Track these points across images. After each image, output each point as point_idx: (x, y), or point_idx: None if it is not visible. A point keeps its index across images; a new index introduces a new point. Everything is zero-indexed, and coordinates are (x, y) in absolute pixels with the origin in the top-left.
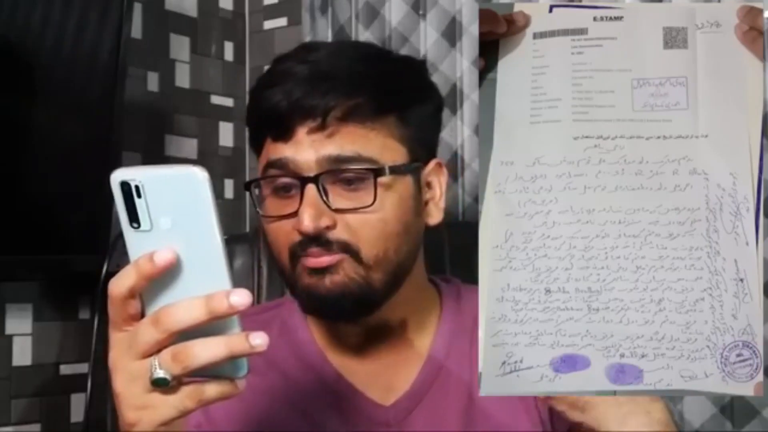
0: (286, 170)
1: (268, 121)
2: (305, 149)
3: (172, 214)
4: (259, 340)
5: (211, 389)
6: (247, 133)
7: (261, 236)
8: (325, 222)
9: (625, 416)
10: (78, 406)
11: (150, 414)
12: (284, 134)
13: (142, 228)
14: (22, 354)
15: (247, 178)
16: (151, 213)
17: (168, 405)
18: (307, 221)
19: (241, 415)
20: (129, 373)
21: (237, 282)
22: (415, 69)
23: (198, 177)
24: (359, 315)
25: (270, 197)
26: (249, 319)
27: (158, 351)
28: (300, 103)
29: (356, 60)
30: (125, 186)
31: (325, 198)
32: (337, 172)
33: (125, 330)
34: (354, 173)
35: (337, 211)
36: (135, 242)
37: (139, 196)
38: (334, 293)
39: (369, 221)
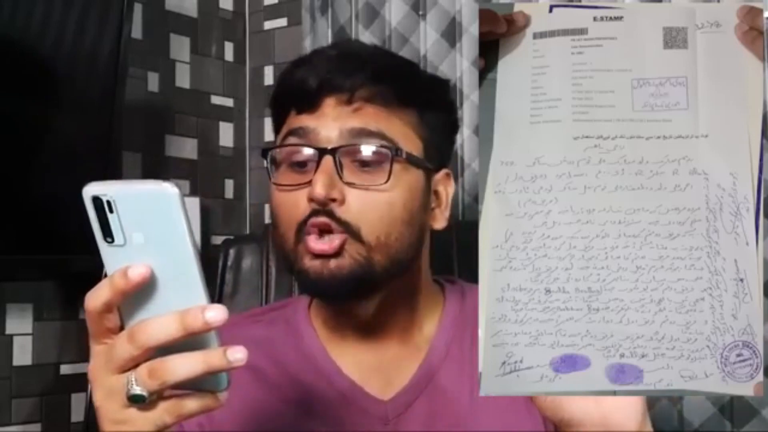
0: (306, 139)
1: (295, 94)
2: (329, 122)
3: (144, 229)
4: (239, 354)
5: (191, 404)
6: (247, 133)
7: (269, 236)
8: (335, 194)
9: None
10: (78, 405)
11: (128, 429)
12: (310, 106)
13: (115, 243)
14: (22, 354)
15: (248, 178)
16: (124, 228)
17: (146, 420)
18: (319, 188)
19: (244, 413)
20: (107, 387)
21: (245, 281)
22: (439, 85)
23: (168, 193)
24: (359, 296)
25: (285, 169)
26: (254, 319)
27: (135, 366)
28: (328, 79)
29: (384, 54)
30: (97, 201)
31: (339, 171)
32: (356, 150)
33: (103, 343)
34: (372, 154)
35: (349, 184)
36: (109, 257)
37: (111, 211)
38: (339, 277)
39: (376, 202)
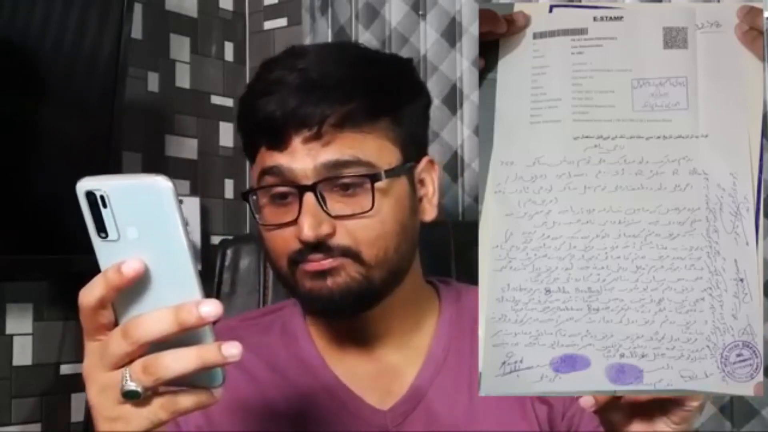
0: (282, 178)
1: (263, 130)
2: (301, 158)
3: (138, 224)
4: (234, 350)
5: (186, 400)
6: None
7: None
8: (325, 230)
9: None
10: (78, 405)
11: (122, 426)
12: (279, 143)
13: (109, 238)
14: (22, 354)
15: (248, 179)
16: (118, 223)
17: (141, 417)
18: (308, 230)
19: (242, 418)
20: (101, 383)
21: (243, 282)
22: (403, 69)
23: (161, 186)
24: (359, 311)
25: (268, 205)
26: (250, 322)
27: (129, 362)
28: (294, 113)
29: (345, 65)
30: (91, 196)
31: (323, 205)
32: (335, 179)
33: (98, 339)
34: (351, 179)
35: (337, 217)
36: (103, 252)
37: (104, 206)
38: (337, 294)
39: (367, 225)
